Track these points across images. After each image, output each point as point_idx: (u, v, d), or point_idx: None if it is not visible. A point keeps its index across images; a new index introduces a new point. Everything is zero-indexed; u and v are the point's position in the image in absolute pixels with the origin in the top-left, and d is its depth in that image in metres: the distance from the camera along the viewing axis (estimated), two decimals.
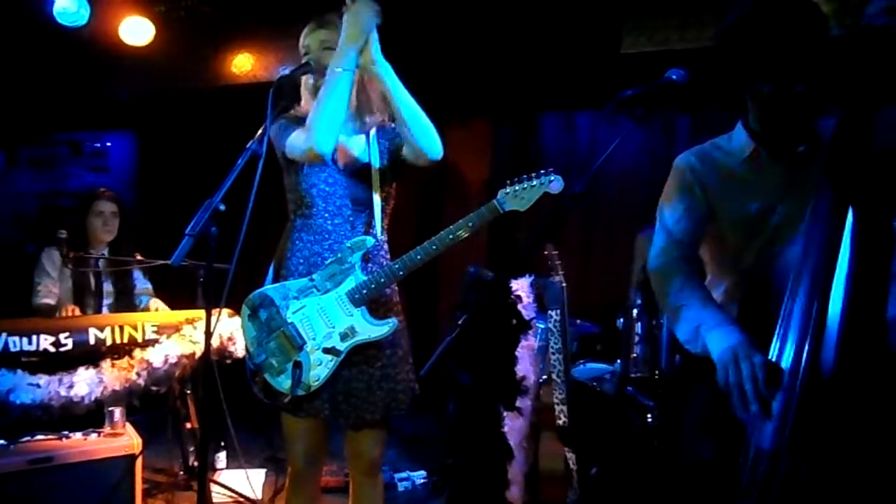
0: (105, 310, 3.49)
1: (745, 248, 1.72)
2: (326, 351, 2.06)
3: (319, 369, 2.06)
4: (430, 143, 2.06)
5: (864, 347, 1.33)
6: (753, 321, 1.54)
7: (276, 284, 2.14)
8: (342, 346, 2.06)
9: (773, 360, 1.42)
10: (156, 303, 3.58)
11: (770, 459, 1.36)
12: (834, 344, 1.34)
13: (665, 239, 1.82)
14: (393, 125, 2.20)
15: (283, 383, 2.08)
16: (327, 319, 2.08)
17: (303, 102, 2.17)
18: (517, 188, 2.00)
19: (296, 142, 2.05)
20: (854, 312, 1.33)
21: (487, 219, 2.01)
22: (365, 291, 2.06)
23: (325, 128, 1.99)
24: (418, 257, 2.02)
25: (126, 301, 3.57)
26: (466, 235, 2.01)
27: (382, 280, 2.06)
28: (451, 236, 2.00)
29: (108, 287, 3.56)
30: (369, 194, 2.15)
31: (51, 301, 3.45)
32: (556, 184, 1.98)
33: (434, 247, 2.01)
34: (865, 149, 1.40)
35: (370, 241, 2.09)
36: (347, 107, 2.15)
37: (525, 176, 2.00)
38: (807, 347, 1.35)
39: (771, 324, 1.46)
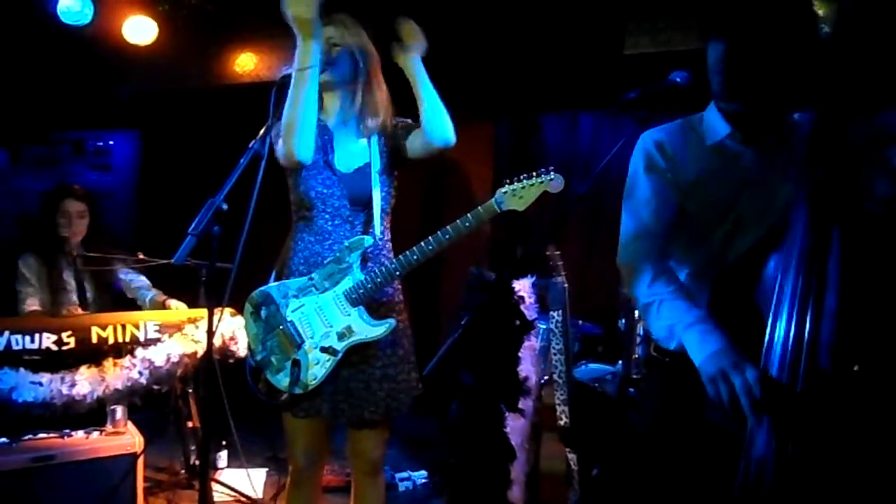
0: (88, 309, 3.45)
1: (712, 233, 1.67)
2: (324, 350, 2.07)
3: (317, 368, 2.07)
4: (444, 127, 2.07)
5: (858, 347, 1.31)
6: (727, 311, 1.51)
7: (278, 283, 2.15)
8: (339, 346, 2.07)
9: (771, 343, 1.39)
10: (160, 295, 3.57)
11: (765, 466, 1.34)
12: (827, 343, 1.32)
13: (634, 228, 1.75)
14: (395, 123, 2.20)
15: (282, 381, 2.09)
16: (325, 319, 2.09)
17: None
18: (515, 187, 1.98)
19: (277, 146, 2.06)
20: (845, 311, 1.32)
21: (485, 218, 2.00)
22: (362, 291, 2.06)
23: (300, 132, 2.01)
24: (415, 257, 2.02)
25: (105, 300, 3.54)
26: (464, 234, 2.00)
27: (379, 280, 2.06)
28: (447, 236, 2.00)
29: (87, 286, 3.52)
30: (368, 194, 2.14)
31: (37, 307, 3.40)
32: (555, 182, 1.97)
33: (430, 247, 2.01)
34: (843, 144, 1.37)
35: (368, 240, 2.09)
36: (351, 110, 2.15)
37: (524, 175, 1.98)
38: (804, 347, 1.33)
39: (747, 313, 1.43)
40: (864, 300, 1.32)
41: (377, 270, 2.07)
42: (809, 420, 1.30)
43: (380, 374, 2.12)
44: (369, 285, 2.06)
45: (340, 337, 2.07)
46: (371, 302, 2.10)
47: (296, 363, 2.08)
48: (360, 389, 2.11)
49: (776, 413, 1.33)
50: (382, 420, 2.17)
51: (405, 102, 2.19)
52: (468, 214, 2.00)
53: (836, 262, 1.33)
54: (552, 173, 1.97)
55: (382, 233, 2.17)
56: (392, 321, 2.09)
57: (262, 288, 2.15)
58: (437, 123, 2.06)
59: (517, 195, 1.98)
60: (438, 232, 2.01)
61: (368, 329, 2.06)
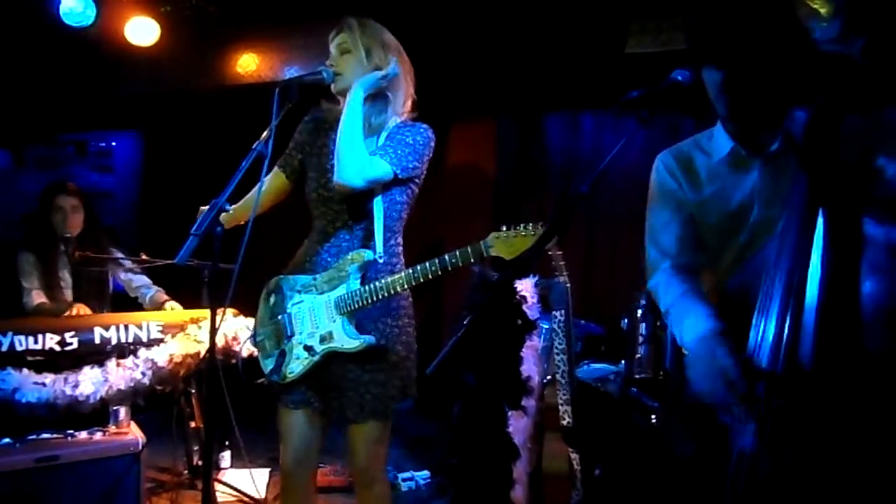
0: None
1: (724, 250, 1.68)
2: (306, 348, 2.13)
3: (296, 363, 2.14)
4: (343, 168, 2.04)
5: (840, 341, 1.30)
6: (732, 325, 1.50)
7: (293, 275, 2.21)
8: (319, 348, 2.11)
9: (757, 343, 1.38)
10: (161, 294, 3.58)
11: (751, 460, 1.34)
12: (811, 336, 1.32)
13: (655, 252, 1.76)
14: (410, 123, 2.16)
15: (268, 366, 2.20)
16: (315, 319, 2.13)
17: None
18: (508, 234, 1.89)
19: None
20: (828, 305, 1.31)
21: (471, 259, 1.94)
22: (350, 303, 2.07)
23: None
24: (398, 286, 2.01)
25: (102, 297, 3.55)
26: (449, 270, 1.96)
27: (367, 297, 2.04)
28: (433, 268, 1.97)
29: (83, 283, 3.52)
30: (368, 202, 2.12)
31: (43, 300, 3.45)
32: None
33: (417, 275, 1.99)
34: (833, 147, 1.37)
35: (368, 254, 2.08)
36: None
37: (521, 224, 1.91)
38: (784, 340, 1.32)
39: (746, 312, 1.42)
40: (849, 297, 1.31)
41: (367, 288, 2.04)
42: (793, 417, 1.30)
43: (356, 377, 2.10)
44: (357, 299, 2.05)
45: (322, 340, 2.10)
46: (362, 311, 2.08)
47: (282, 353, 2.16)
48: (344, 388, 2.10)
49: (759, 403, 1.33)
50: (355, 422, 2.12)
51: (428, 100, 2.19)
52: (456, 251, 1.95)
53: (822, 255, 1.33)
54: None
55: (387, 248, 2.13)
56: (369, 339, 2.06)
57: (279, 276, 2.24)
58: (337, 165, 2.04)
59: (508, 243, 1.89)
60: (427, 262, 1.98)
61: (346, 340, 2.06)
